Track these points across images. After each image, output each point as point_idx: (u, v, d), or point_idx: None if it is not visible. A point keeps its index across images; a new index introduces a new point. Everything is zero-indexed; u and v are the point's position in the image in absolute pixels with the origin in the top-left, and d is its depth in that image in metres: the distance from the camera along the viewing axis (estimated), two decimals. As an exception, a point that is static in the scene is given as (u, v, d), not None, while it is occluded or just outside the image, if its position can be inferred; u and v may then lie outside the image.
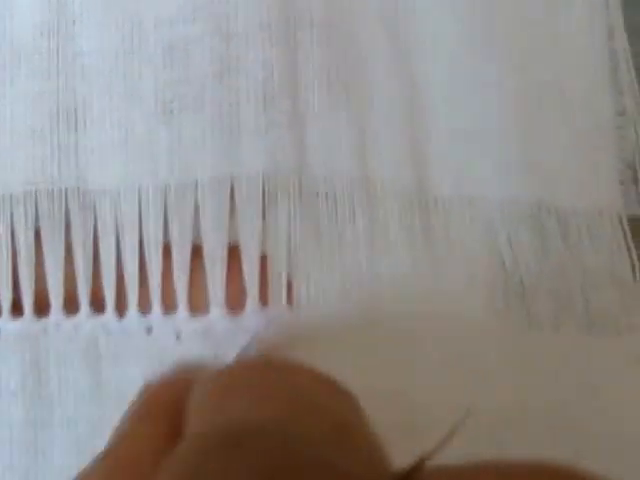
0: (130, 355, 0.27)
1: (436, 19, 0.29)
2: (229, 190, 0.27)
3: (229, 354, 0.26)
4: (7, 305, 0.27)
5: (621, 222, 0.29)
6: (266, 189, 0.27)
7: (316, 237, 0.27)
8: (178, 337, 0.27)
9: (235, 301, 0.27)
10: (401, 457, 0.17)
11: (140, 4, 0.27)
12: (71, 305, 0.27)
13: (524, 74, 0.29)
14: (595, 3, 0.30)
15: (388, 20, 0.28)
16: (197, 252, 0.27)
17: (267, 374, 0.21)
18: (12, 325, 0.27)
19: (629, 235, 0.29)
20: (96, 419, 0.27)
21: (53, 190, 0.27)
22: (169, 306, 0.27)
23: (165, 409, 0.22)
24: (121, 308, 0.27)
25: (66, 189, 0.27)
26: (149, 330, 0.27)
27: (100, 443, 0.22)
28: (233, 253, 0.27)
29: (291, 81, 0.27)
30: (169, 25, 0.27)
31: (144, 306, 0.27)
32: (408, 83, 0.29)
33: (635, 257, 0.29)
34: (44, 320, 0.27)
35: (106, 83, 0.27)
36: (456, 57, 0.29)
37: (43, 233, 0.27)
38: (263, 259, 0.27)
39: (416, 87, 0.29)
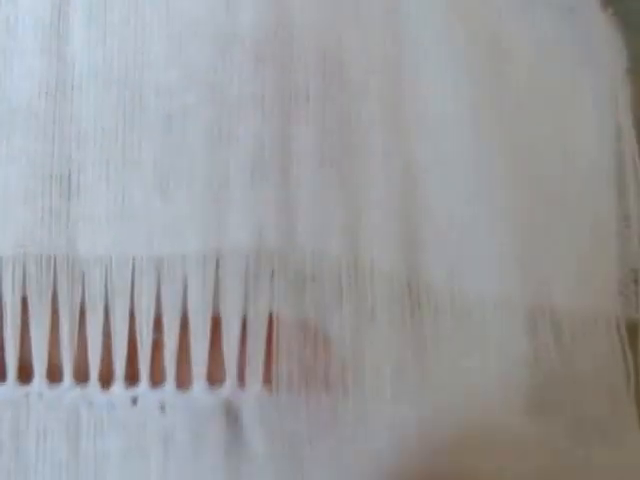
0: (112, 427, 0.26)
1: (438, 102, 0.28)
2: (214, 265, 0.26)
3: (211, 429, 0.26)
4: (-9, 369, 0.26)
5: (618, 328, 0.29)
6: (250, 266, 0.26)
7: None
8: (162, 409, 0.26)
9: (218, 377, 0.26)
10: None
11: (142, 72, 0.27)
12: (56, 373, 0.27)
13: (527, 169, 0.29)
14: (605, 102, 0.30)
15: (387, 99, 0.28)
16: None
17: None
18: (-6, 390, 0.26)
19: (626, 341, 0.28)
20: None
21: (42, 255, 0.27)
22: (156, 378, 0.26)
23: None
24: (106, 379, 0.26)
25: (55, 255, 0.27)
26: (134, 401, 0.26)
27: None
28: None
29: (282, 156, 0.27)
30: (169, 94, 0.27)
31: (131, 377, 0.26)
32: (404, 165, 0.28)
33: (631, 365, 0.28)
34: (27, 387, 0.26)
35: (103, 150, 0.27)
36: (457, 143, 0.28)
37: (30, 299, 0.27)
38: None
39: (412, 170, 0.28)
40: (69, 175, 0.27)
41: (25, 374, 0.26)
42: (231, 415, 0.26)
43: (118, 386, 0.26)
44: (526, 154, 0.28)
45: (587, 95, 0.30)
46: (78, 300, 0.27)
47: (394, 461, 0.24)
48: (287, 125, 0.27)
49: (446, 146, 0.28)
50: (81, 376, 0.27)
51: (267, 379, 0.26)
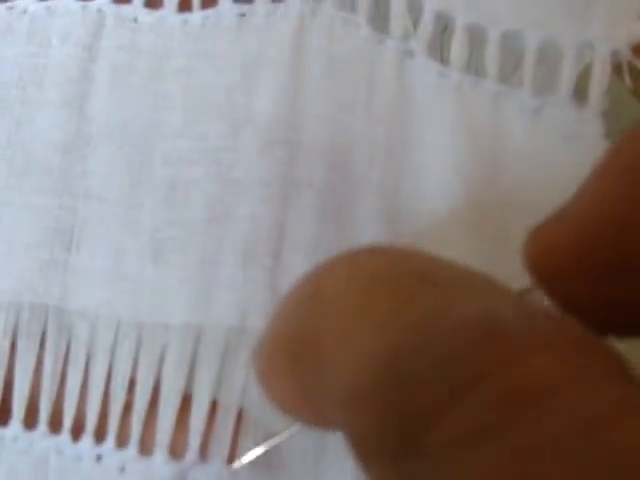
0: (76, 478, 0.27)
1: (435, 202, 0.28)
2: (194, 338, 0.27)
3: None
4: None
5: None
6: (230, 344, 0.27)
7: None
8: (122, 471, 0.27)
9: (181, 449, 0.27)
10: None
11: (154, 138, 0.28)
12: (32, 419, 0.27)
13: None
14: None
15: (388, 193, 0.28)
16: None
17: None
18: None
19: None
20: None
21: (36, 304, 0.27)
22: (123, 439, 0.27)
23: None
24: (77, 432, 0.27)
25: (48, 305, 0.28)
26: (99, 458, 0.27)
27: None
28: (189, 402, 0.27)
29: (277, 240, 0.27)
30: (176, 164, 0.28)
31: (100, 435, 0.27)
32: None
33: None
34: (3, 430, 0.27)
35: (106, 209, 0.28)
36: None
37: (18, 344, 0.28)
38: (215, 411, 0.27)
39: None
40: (72, 229, 0.28)
41: (2, 416, 0.27)
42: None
43: (87, 440, 0.27)
44: None
45: None
46: (63, 351, 0.28)
47: None
48: (285, 210, 0.27)
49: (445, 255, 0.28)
50: (55, 425, 0.27)
51: (230, 457, 0.27)
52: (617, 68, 0.29)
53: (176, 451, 0.27)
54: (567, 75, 0.28)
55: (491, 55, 0.28)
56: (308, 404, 0.18)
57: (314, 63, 0.28)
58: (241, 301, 0.27)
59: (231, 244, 0.27)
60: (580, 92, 0.29)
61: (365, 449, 0.15)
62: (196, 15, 0.28)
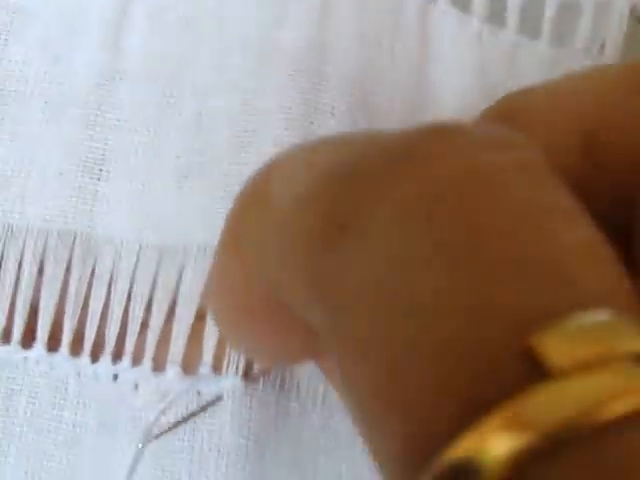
0: (93, 400, 0.27)
1: None
2: (211, 259, 0.27)
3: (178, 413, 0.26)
4: (-1, 329, 0.28)
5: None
6: None
7: None
8: (136, 388, 0.27)
9: (194, 364, 0.26)
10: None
11: (185, 72, 0.29)
12: (55, 342, 0.28)
13: None
14: None
15: (409, 122, 0.28)
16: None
17: None
18: None
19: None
20: (49, 454, 0.27)
21: (64, 230, 0.28)
22: (137, 359, 0.27)
23: None
24: (96, 354, 0.27)
25: (75, 232, 0.28)
26: (115, 378, 0.27)
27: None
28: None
29: None
30: (204, 96, 0.28)
31: (117, 355, 0.27)
32: None
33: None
34: (27, 352, 0.28)
35: (135, 139, 0.28)
36: None
37: (45, 269, 0.28)
38: None
39: None
40: (102, 159, 0.28)
41: (27, 340, 0.28)
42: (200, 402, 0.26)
43: (104, 360, 0.27)
44: None
45: None
46: (88, 276, 0.28)
47: None
48: (309, 136, 0.27)
49: None
50: (75, 348, 0.28)
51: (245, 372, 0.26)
52: (635, 23, 0.29)
53: (189, 367, 0.27)
54: (585, 28, 0.29)
55: (512, 6, 0.29)
56: (254, 290, 0.18)
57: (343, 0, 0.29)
58: None
59: (254, 168, 0.27)
60: (597, 45, 0.29)
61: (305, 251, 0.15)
62: (228, -48, 0.29)
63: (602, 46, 0.29)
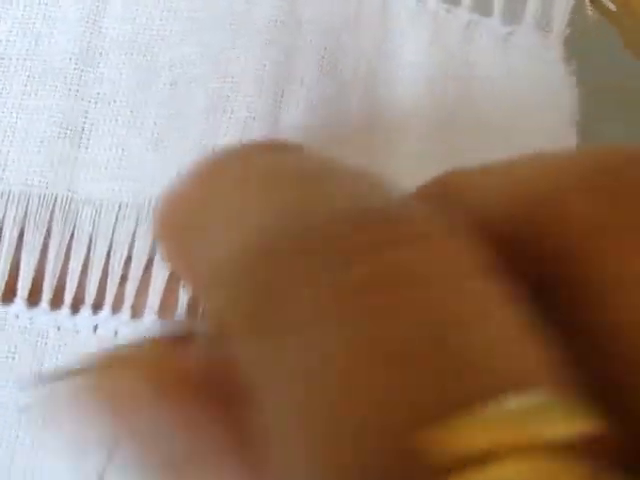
0: (74, 353, 0.28)
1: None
2: None
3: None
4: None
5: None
6: None
7: None
8: (115, 335, 0.28)
9: (171, 310, 0.27)
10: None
11: (160, 46, 0.30)
12: (35, 298, 0.29)
13: None
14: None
15: (368, 104, 0.30)
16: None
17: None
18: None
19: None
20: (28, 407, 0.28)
21: (45, 194, 0.29)
22: (116, 309, 0.28)
23: None
24: (76, 307, 0.28)
25: (56, 196, 0.29)
26: (95, 328, 0.28)
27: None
28: None
29: (270, 130, 0.29)
30: (180, 67, 0.30)
31: (97, 307, 0.28)
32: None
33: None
34: (7, 307, 0.29)
35: (115, 109, 0.30)
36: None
37: (26, 231, 0.29)
38: None
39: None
40: (82, 128, 0.30)
41: (8, 295, 0.29)
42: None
43: (85, 312, 0.28)
44: None
45: None
46: (68, 236, 0.29)
47: None
48: (279, 103, 0.29)
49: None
50: (56, 302, 0.29)
51: None
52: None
53: (166, 313, 0.28)
54: (533, 6, 0.32)
55: None
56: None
57: None
58: None
59: (227, 132, 0.29)
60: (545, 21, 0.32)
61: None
62: None
63: (548, 22, 0.31)
